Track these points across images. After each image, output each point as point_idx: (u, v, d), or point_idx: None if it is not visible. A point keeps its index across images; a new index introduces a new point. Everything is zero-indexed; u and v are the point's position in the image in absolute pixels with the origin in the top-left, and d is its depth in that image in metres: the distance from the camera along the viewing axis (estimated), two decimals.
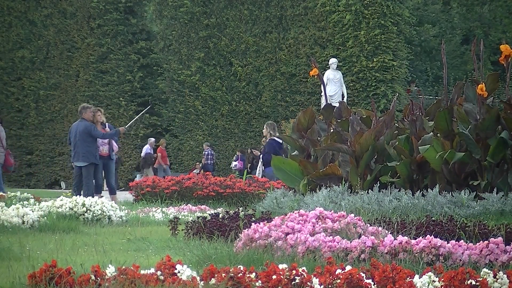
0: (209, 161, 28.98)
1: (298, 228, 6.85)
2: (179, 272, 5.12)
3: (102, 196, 12.96)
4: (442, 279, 4.89)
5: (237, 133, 29.33)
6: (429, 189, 10.25)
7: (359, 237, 6.63)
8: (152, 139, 28.60)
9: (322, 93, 17.88)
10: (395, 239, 6.34)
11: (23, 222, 9.86)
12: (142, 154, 28.32)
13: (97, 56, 31.88)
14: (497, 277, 4.92)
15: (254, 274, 5.03)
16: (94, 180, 15.91)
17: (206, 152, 29.09)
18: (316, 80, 25.91)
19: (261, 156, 16.60)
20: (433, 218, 7.75)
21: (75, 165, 16.01)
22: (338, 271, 4.99)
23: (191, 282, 5.00)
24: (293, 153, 12.47)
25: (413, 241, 6.27)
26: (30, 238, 8.81)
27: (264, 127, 16.87)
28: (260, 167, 16.87)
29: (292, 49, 28.23)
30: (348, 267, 5.05)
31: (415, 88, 33.19)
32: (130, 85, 31.59)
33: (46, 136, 32.61)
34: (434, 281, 4.91)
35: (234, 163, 29.27)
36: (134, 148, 31.59)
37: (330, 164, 11.39)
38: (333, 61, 24.60)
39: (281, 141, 15.83)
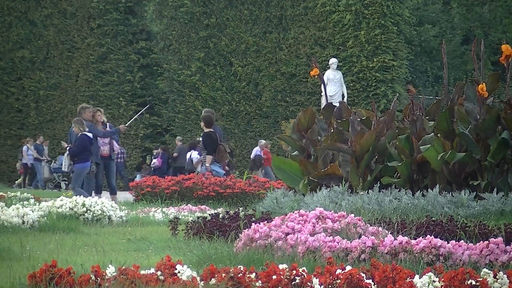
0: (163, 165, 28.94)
1: (298, 228, 6.85)
2: (179, 272, 5.12)
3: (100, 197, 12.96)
4: (442, 279, 4.89)
5: (237, 133, 29.33)
6: (429, 189, 10.25)
7: (359, 237, 6.63)
8: (263, 141, 28.30)
9: (322, 93, 17.87)
10: (395, 239, 6.34)
11: (23, 222, 9.86)
12: (252, 156, 27.99)
13: (97, 56, 31.88)
14: (497, 277, 4.92)
15: (254, 274, 5.03)
16: (95, 180, 15.92)
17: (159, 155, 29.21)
18: (316, 80, 25.91)
19: (68, 149, 16.27)
20: (433, 218, 7.75)
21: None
22: (338, 271, 4.99)
23: (191, 282, 5.00)
24: (293, 153, 12.47)
25: (413, 241, 6.27)
26: (30, 238, 8.80)
27: (73, 125, 16.44)
28: (65, 161, 16.56)
29: (292, 49, 28.22)
30: (348, 267, 5.06)
31: (411, 88, 33.14)
32: (130, 85, 31.59)
33: (46, 136, 32.60)
34: (434, 281, 4.92)
35: (153, 161, 29.36)
36: (134, 148, 31.60)
37: (331, 164, 11.39)
38: (333, 61, 24.59)
39: (91, 136, 15.56)
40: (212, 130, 16.05)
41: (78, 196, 11.57)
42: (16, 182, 31.98)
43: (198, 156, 25.41)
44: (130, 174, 30.93)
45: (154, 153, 30.06)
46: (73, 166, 15.31)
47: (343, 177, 11.05)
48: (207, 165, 16.28)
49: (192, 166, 25.61)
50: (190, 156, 25.78)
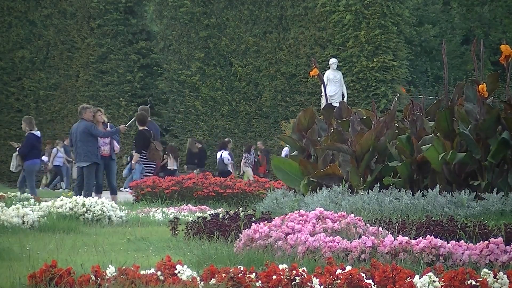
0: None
1: (298, 228, 6.85)
2: (179, 272, 5.12)
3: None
4: (442, 279, 4.89)
5: (237, 133, 29.32)
6: (429, 189, 10.25)
7: (359, 237, 6.63)
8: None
9: (322, 93, 17.87)
10: (395, 239, 6.34)
11: (23, 222, 9.86)
12: (282, 155, 27.97)
13: (97, 56, 31.87)
14: (497, 277, 4.92)
15: (254, 274, 5.03)
16: (95, 180, 15.92)
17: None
18: (316, 80, 25.90)
19: (17, 149, 16.30)
20: (433, 218, 7.74)
21: (77, 166, 15.99)
22: (338, 271, 4.99)
23: (191, 282, 5.00)
24: (293, 153, 12.47)
25: (413, 241, 6.27)
26: (30, 238, 8.80)
27: (22, 123, 16.48)
28: (13, 161, 16.62)
29: (292, 49, 28.22)
30: (348, 267, 5.06)
31: (405, 89, 33.16)
32: (130, 85, 31.58)
33: (46, 137, 32.57)
34: (434, 281, 4.92)
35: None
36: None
37: (331, 164, 11.39)
38: (333, 61, 24.59)
39: (39, 135, 15.66)
40: (146, 128, 16.03)
41: (32, 195, 11.60)
42: (42, 182, 31.78)
43: (229, 157, 25.36)
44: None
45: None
46: (24, 164, 15.55)
47: (343, 177, 11.05)
48: (132, 162, 16.33)
49: (224, 166, 25.53)
50: (221, 156, 25.75)
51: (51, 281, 5.03)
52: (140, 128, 15.98)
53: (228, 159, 25.55)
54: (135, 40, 31.96)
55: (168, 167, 26.46)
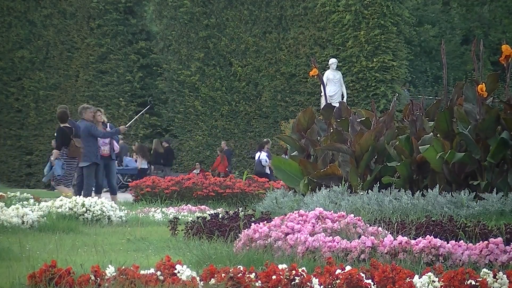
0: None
1: (298, 228, 6.85)
2: (178, 272, 5.12)
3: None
4: (442, 279, 4.89)
5: (237, 133, 29.32)
6: (429, 189, 10.25)
7: (359, 237, 6.63)
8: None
9: (322, 93, 17.88)
10: (395, 239, 6.34)
11: (23, 222, 9.86)
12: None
13: (97, 56, 31.87)
14: (496, 277, 4.92)
15: (254, 274, 5.03)
16: (95, 180, 15.92)
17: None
18: (316, 80, 25.89)
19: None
20: (433, 218, 7.75)
21: (77, 166, 16.01)
22: (338, 271, 4.99)
23: (190, 282, 5.00)
24: (293, 153, 12.47)
25: (413, 241, 6.27)
26: (30, 238, 8.80)
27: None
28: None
29: (292, 49, 28.22)
30: (348, 267, 5.06)
31: (405, 89, 33.22)
32: (129, 85, 31.58)
33: (46, 136, 32.59)
34: (434, 281, 4.92)
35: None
36: None
37: (330, 164, 11.39)
38: (332, 61, 24.59)
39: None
40: (67, 125, 16.08)
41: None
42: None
43: (267, 158, 25.23)
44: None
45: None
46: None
47: (343, 177, 11.06)
48: (52, 159, 16.36)
49: (261, 168, 25.35)
50: (259, 157, 25.61)
51: (50, 281, 5.03)
52: (61, 125, 16.07)
53: (266, 161, 25.14)
54: (134, 40, 31.96)
55: (139, 167, 26.54)
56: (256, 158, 25.79)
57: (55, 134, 16.73)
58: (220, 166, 27.73)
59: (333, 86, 23.81)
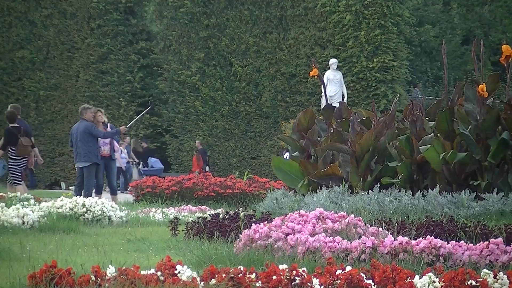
0: None
1: (298, 229, 6.85)
2: (179, 272, 5.12)
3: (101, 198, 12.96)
4: (442, 280, 4.89)
5: (237, 133, 29.31)
6: (429, 190, 10.25)
7: (360, 237, 6.63)
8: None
9: (322, 94, 17.87)
10: (395, 239, 6.34)
11: (23, 223, 9.86)
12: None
13: (97, 56, 31.87)
14: (497, 277, 4.92)
15: (254, 274, 5.03)
16: (95, 180, 15.92)
17: None
18: (316, 81, 25.89)
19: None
20: (433, 219, 7.75)
21: (77, 166, 16.01)
22: (338, 271, 4.99)
23: (191, 282, 5.00)
24: (293, 154, 12.47)
25: (413, 242, 6.27)
26: (30, 238, 8.81)
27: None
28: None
29: (292, 49, 28.21)
30: (348, 268, 5.06)
31: (416, 90, 33.24)
32: (130, 85, 31.58)
33: (46, 137, 32.60)
34: (434, 281, 4.92)
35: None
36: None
37: (331, 165, 11.39)
38: (333, 61, 24.58)
39: None
40: (15, 125, 16.15)
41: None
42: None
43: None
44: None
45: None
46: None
47: (343, 177, 11.06)
48: None
49: None
50: (286, 158, 25.67)
51: (51, 281, 5.03)
52: (10, 125, 16.15)
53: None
54: (135, 40, 31.97)
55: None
56: (284, 157, 26.04)
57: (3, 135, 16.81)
58: (195, 166, 28.01)
59: (334, 86, 23.80)
